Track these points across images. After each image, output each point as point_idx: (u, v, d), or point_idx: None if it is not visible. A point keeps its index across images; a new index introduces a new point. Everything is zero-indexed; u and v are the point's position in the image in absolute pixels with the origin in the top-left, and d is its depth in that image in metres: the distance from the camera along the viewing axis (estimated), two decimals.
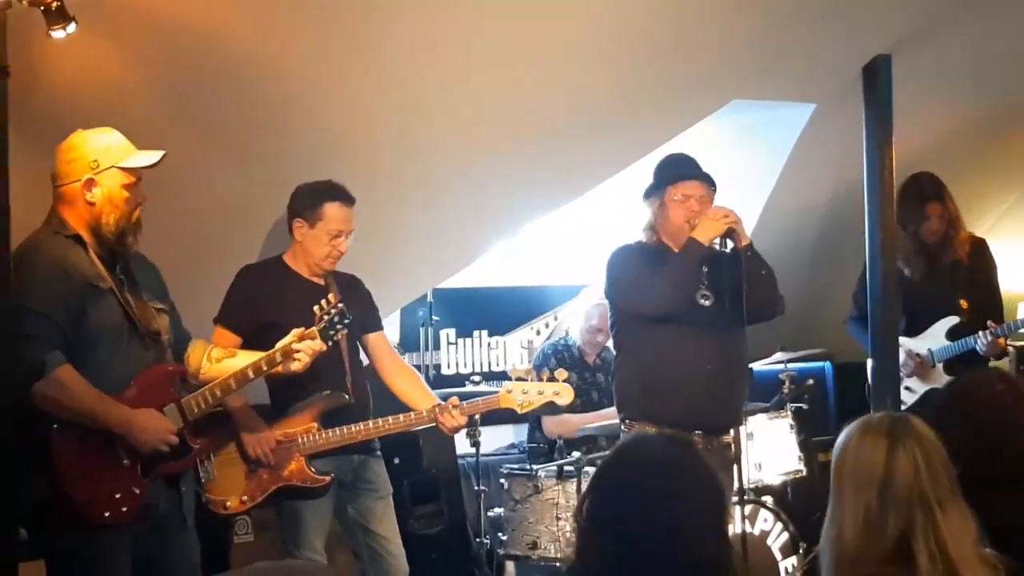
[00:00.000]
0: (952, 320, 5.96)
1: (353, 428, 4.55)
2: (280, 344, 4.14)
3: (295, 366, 4.14)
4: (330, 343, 4.25)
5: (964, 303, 5.96)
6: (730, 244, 4.63)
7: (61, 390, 3.64)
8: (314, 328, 4.17)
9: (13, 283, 3.60)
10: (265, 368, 4.11)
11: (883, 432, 2.52)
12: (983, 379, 3.26)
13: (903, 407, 6.04)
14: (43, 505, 3.68)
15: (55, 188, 3.85)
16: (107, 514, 3.69)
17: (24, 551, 3.77)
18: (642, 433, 2.38)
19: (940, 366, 5.98)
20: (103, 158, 3.80)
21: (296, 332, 4.14)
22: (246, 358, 4.15)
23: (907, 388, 6.08)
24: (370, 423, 4.58)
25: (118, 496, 3.72)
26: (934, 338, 6.01)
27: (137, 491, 3.76)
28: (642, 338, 4.80)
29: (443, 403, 4.64)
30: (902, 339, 6.09)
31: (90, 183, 3.79)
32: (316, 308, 4.22)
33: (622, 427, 4.89)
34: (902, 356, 6.05)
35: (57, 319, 3.67)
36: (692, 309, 4.71)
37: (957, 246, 5.99)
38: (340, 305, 4.23)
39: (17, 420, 3.53)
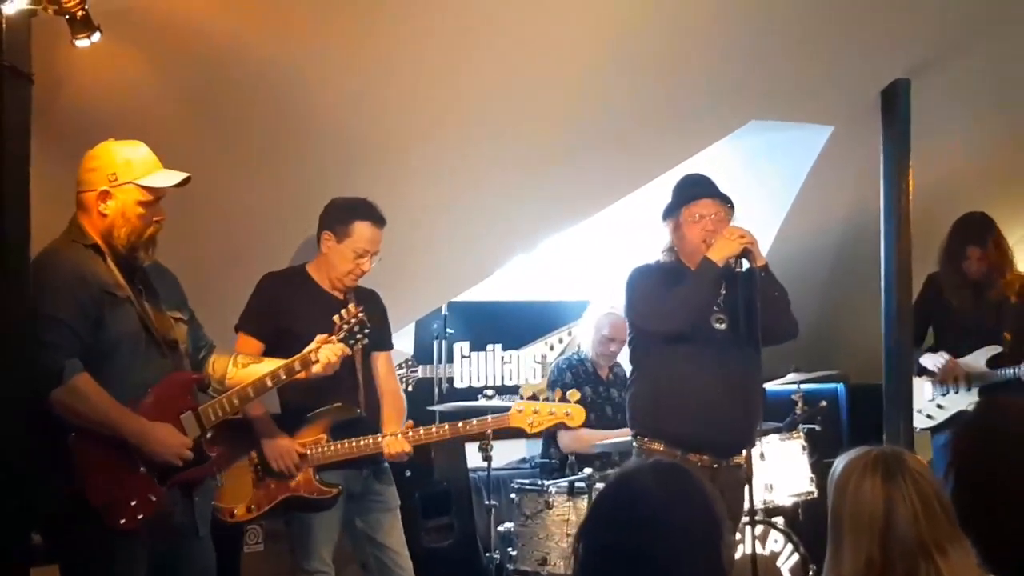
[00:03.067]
0: (994, 349, 6.07)
1: (362, 442, 4.56)
2: (302, 353, 4.16)
3: (316, 368, 4.14)
4: (351, 349, 4.28)
5: (1008, 335, 6.04)
6: (745, 264, 4.63)
7: (78, 398, 3.66)
8: (333, 336, 4.19)
9: (32, 290, 3.62)
10: (284, 376, 4.12)
11: (879, 474, 2.52)
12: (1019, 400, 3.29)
13: (931, 423, 6.16)
14: (60, 510, 3.69)
15: (76, 194, 3.87)
16: (123, 520, 3.69)
17: (38, 556, 3.79)
18: (639, 461, 2.39)
19: (975, 390, 6.03)
20: (122, 172, 3.80)
21: (320, 338, 4.16)
22: (271, 365, 4.15)
23: (939, 406, 6.13)
24: (363, 440, 4.59)
25: (134, 503, 3.72)
26: (974, 363, 6.06)
27: (154, 498, 3.76)
28: (657, 357, 4.80)
29: (392, 435, 4.63)
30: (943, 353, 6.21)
31: (104, 195, 3.79)
32: (336, 317, 4.23)
33: (633, 443, 4.90)
34: (941, 361, 6.12)
35: (75, 326, 3.68)
36: (706, 332, 4.71)
37: (1004, 286, 6.11)
38: (361, 315, 4.25)
39: (35, 426, 3.55)
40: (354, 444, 4.58)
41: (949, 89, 6.13)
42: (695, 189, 4.83)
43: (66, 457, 3.67)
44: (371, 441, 4.60)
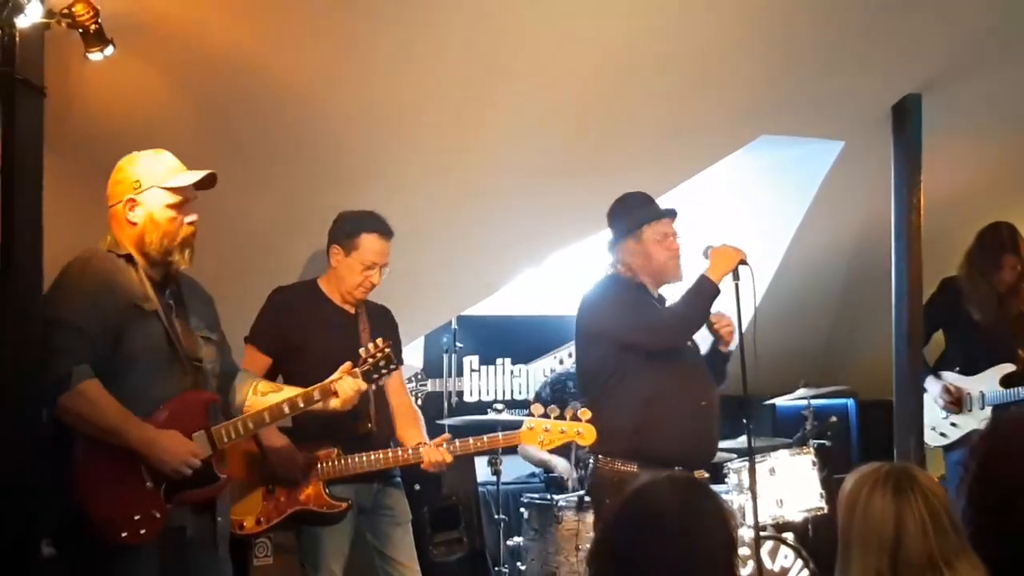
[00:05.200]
0: (1008, 368, 6.03)
1: (374, 457, 4.56)
2: (323, 383, 4.12)
3: (333, 403, 4.11)
4: (373, 385, 4.25)
5: (1022, 353, 6.00)
6: (741, 278, 4.62)
7: (84, 404, 3.63)
8: (356, 369, 4.16)
9: (55, 295, 3.67)
10: (302, 405, 4.07)
11: (890, 489, 2.52)
12: None
13: (944, 441, 6.13)
14: (68, 522, 3.68)
15: (107, 209, 3.87)
16: (124, 534, 3.65)
17: (50, 568, 3.79)
18: (655, 476, 2.37)
19: (988, 409, 6.02)
20: (145, 178, 3.81)
21: (344, 368, 4.13)
22: (291, 393, 4.11)
23: (953, 424, 6.12)
24: (381, 454, 4.59)
25: (137, 518, 3.67)
26: (988, 381, 6.06)
27: (158, 514, 3.71)
28: (638, 372, 4.67)
29: (427, 443, 4.62)
30: (951, 375, 6.17)
31: (131, 203, 3.81)
32: (362, 350, 4.20)
33: (592, 462, 4.80)
34: (939, 388, 6.10)
35: (90, 334, 3.67)
36: (684, 345, 4.75)
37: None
38: (388, 351, 4.20)
39: (47, 435, 3.57)
40: (390, 455, 4.58)
41: (960, 104, 6.13)
42: (654, 208, 4.81)
43: (71, 469, 3.65)
44: (409, 453, 4.60)
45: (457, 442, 4.62)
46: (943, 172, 6.22)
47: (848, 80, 5.78)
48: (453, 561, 5.99)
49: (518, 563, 5.67)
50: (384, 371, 4.20)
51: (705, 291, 4.60)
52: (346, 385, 4.10)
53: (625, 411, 4.66)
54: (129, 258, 3.82)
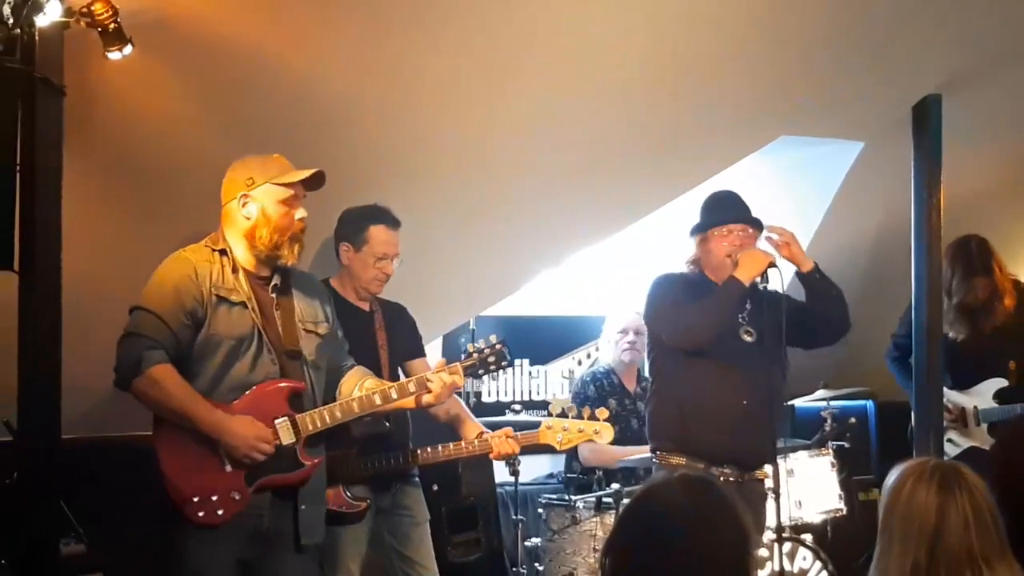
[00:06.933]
0: (1000, 382, 5.98)
1: (465, 444, 4.63)
2: (418, 375, 4.19)
3: (427, 398, 4.14)
4: (472, 379, 4.33)
5: (1013, 364, 5.96)
6: (771, 281, 4.64)
7: (155, 388, 3.77)
8: (457, 364, 4.19)
9: (147, 286, 3.85)
10: (395, 396, 4.10)
11: (935, 483, 2.51)
12: None
13: (945, 459, 6.01)
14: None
15: (220, 209, 4.00)
16: (201, 514, 3.76)
17: (80, 564, 3.85)
18: (666, 475, 2.36)
19: (984, 426, 5.97)
20: (258, 175, 3.94)
21: (440, 363, 4.18)
22: (389, 384, 4.17)
23: (949, 440, 6.07)
24: (428, 449, 4.62)
25: (215, 498, 3.77)
26: (981, 397, 6.03)
27: (237, 497, 3.81)
28: (680, 369, 4.79)
29: (488, 432, 4.66)
30: (947, 391, 6.11)
31: (244, 199, 3.94)
32: (471, 345, 4.24)
33: (653, 459, 4.89)
34: (946, 417, 6.06)
35: (168, 320, 3.80)
36: (733, 343, 4.72)
37: (1000, 311, 5.99)
38: (500, 347, 4.21)
39: None
40: (462, 446, 4.65)
41: (980, 105, 6.10)
42: (729, 212, 4.85)
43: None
44: (475, 444, 4.65)
45: (519, 434, 4.67)
46: (963, 173, 6.18)
47: (868, 81, 5.76)
48: (471, 562, 5.97)
49: (536, 564, 5.66)
50: (493, 368, 4.23)
51: (732, 292, 4.61)
52: (440, 380, 4.13)
53: (670, 406, 4.81)
54: (224, 252, 3.94)
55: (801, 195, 6.83)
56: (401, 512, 4.74)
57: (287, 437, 3.89)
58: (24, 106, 3.59)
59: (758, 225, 4.84)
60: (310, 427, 3.94)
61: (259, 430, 3.83)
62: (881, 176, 6.46)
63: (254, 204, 3.93)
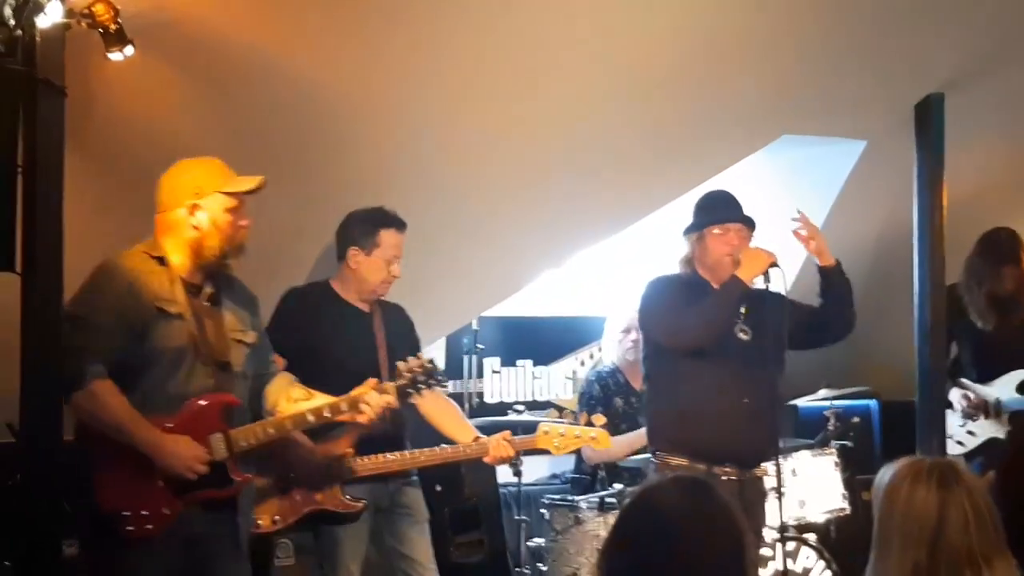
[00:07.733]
0: (1023, 374, 5.95)
1: (389, 456, 4.56)
2: (352, 393, 4.12)
3: (361, 418, 4.11)
4: (407, 400, 4.25)
5: None
6: (772, 280, 4.63)
7: (95, 403, 3.70)
8: (390, 383, 4.17)
9: (80, 294, 3.75)
10: (328, 415, 4.06)
11: (934, 482, 2.50)
12: None
13: (962, 450, 6.08)
14: (85, 516, 3.76)
15: (156, 216, 3.93)
16: (130, 528, 3.70)
17: (75, 567, 3.84)
18: (661, 476, 2.37)
19: (1005, 416, 5.97)
20: (205, 184, 3.89)
21: (370, 382, 4.13)
22: (320, 402, 4.10)
23: (970, 432, 6.07)
24: (416, 452, 4.60)
25: (144, 512, 3.72)
26: (1005, 388, 6.02)
27: (167, 511, 3.75)
28: (677, 369, 4.77)
29: (482, 436, 4.65)
30: (968, 382, 6.14)
31: (194, 208, 3.87)
32: (400, 363, 4.20)
33: (652, 460, 4.88)
34: (958, 395, 6.07)
35: (110, 333, 3.73)
36: (729, 342, 4.71)
37: None
38: (429, 364, 4.20)
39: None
40: (449, 450, 4.64)
41: (983, 103, 6.09)
42: (723, 212, 4.84)
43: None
44: (472, 448, 4.65)
45: (516, 439, 4.68)
46: (966, 172, 6.18)
47: (870, 79, 5.75)
48: (474, 562, 5.98)
49: (539, 564, 5.66)
50: (423, 386, 4.20)
51: (734, 291, 4.60)
52: (374, 400, 4.09)
53: (666, 408, 4.82)
54: (162, 260, 3.87)
55: (803, 194, 6.80)
56: (400, 511, 4.73)
57: (220, 453, 3.84)
58: (25, 107, 3.59)
59: (752, 224, 4.83)
60: (243, 444, 3.89)
61: (195, 450, 3.78)
62: (883, 175, 6.45)
63: (203, 214, 3.87)
